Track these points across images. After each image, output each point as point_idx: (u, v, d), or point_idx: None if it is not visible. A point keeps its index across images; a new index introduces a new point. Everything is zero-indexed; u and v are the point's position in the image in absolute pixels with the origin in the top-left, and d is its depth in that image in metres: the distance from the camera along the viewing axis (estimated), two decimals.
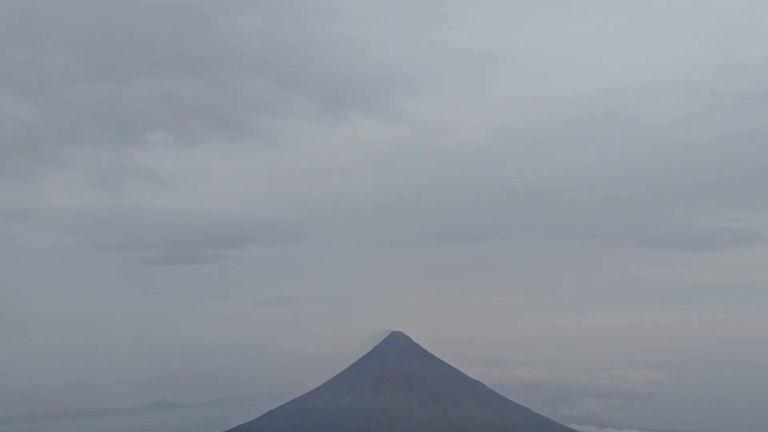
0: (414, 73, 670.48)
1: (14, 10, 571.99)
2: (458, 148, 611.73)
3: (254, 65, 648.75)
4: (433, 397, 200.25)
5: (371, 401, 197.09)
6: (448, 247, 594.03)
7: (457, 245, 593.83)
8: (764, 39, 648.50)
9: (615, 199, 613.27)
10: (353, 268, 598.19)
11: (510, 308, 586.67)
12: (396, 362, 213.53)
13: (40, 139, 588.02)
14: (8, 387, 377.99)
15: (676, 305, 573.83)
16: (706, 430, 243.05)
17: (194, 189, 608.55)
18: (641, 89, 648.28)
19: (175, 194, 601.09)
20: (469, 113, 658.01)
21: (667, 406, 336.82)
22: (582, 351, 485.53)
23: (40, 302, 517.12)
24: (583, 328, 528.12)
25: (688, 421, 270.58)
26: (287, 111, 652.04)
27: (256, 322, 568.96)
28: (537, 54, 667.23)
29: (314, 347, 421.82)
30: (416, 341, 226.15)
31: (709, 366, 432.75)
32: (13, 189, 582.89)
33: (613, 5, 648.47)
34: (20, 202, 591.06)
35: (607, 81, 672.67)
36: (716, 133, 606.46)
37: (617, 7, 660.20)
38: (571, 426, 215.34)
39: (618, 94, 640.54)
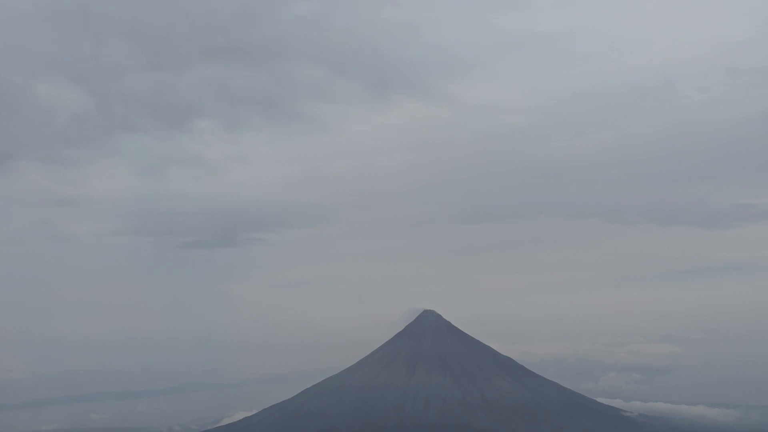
0: (465, 57, 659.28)
1: (75, 3, 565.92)
2: (493, 130, 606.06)
3: (305, 52, 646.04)
4: (466, 374, 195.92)
5: (406, 379, 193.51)
6: (475, 227, 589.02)
7: (484, 225, 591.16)
8: None
9: (636, 177, 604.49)
10: (385, 249, 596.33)
11: (532, 286, 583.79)
12: (429, 340, 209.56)
13: (91, 129, 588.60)
14: (50, 369, 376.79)
15: (692, 281, 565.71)
16: (725, 401, 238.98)
17: (235, 174, 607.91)
18: (681, 67, 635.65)
19: (216, 180, 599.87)
20: (510, 96, 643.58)
21: (686, 379, 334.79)
22: (600, 327, 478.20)
23: (84, 286, 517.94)
24: (600, 305, 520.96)
25: (707, 393, 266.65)
26: (334, 96, 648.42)
27: (291, 303, 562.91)
28: (588, 35, 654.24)
29: (348, 326, 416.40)
30: (447, 319, 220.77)
31: (724, 339, 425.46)
32: (60, 178, 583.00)
33: None
34: (66, 191, 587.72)
35: (649, 60, 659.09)
36: (748, 112, 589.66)
37: None
38: (600, 400, 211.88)
39: (657, 72, 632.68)
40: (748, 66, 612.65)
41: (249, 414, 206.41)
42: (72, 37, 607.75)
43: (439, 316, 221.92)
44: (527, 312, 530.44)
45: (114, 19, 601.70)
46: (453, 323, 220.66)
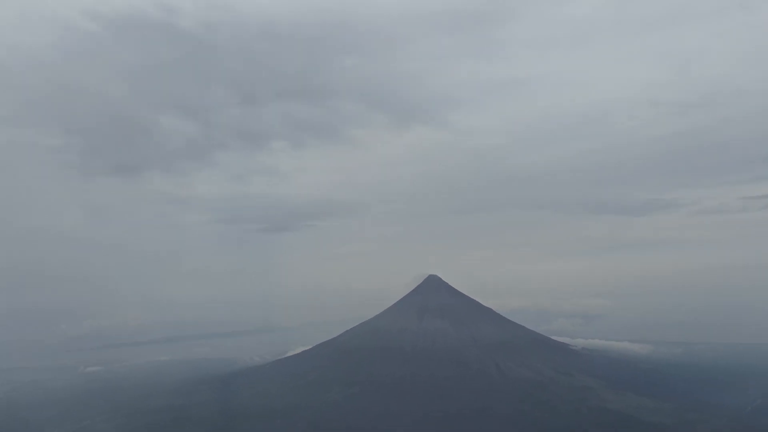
0: (461, 95, 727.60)
1: (190, 59, 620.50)
2: (480, 148, 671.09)
3: (349, 93, 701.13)
4: (460, 321, 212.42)
5: (417, 325, 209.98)
6: (464, 216, 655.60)
7: (470, 215, 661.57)
8: (710, 63, 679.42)
9: (577, 181, 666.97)
10: (401, 232, 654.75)
11: (504, 258, 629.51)
12: (432, 297, 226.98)
13: (198, 148, 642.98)
14: (165, 318, 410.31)
15: (615, 254, 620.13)
16: (642, 338, 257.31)
17: (297, 180, 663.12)
18: (615, 102, 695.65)
19: (284, 184, 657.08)
20: (492, 123, 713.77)
21: (613, 323, 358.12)
22: (550, 286, 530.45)
23: (189, 258, 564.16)
24: (551, 271, 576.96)
25: (629, 333, 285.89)
26: (368, 124, 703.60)
27: (332, 270, 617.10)
28: (549, 79, 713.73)
29: (374, 287, 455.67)
30: (446, 281, 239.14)
31: (639, 294, 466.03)
32: (175, 183, 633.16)
33: (603, 43, 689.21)
34: (178, 191, 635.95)
35: (592, 96, 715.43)
36: (660, 133, 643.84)
37: (606, 44, 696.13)
38: (553, 338, 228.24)
39: (598, 105, 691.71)
40: (666, 100, 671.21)
41: (306, 348, 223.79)
42: (187, 83, 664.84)
43: (440, 279, 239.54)
44: (501, 276, 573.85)
45: (216, 70, 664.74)
46: (450, 284, 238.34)
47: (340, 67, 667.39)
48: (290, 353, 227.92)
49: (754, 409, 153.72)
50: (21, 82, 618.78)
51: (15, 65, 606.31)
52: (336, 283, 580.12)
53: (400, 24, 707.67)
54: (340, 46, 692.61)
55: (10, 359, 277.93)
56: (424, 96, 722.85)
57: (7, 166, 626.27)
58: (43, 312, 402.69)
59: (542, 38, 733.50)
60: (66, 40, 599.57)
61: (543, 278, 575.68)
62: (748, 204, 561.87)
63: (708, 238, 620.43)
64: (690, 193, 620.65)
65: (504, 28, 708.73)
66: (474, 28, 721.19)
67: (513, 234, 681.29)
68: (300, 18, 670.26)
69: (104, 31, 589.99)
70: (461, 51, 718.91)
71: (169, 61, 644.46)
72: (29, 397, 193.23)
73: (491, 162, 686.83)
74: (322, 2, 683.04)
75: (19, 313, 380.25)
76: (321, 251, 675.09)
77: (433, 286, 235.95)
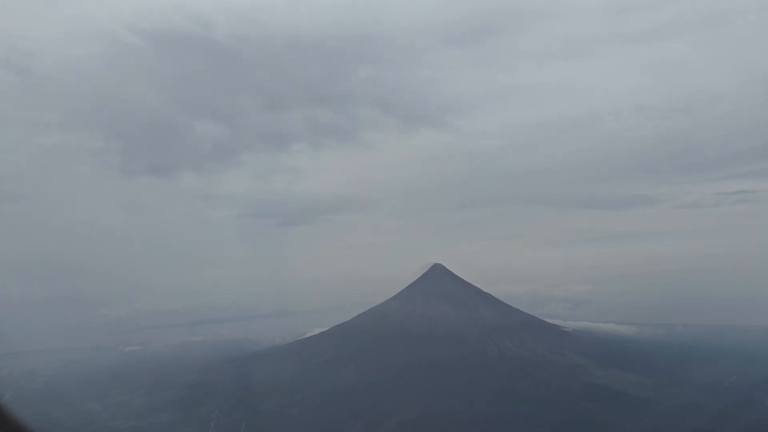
0: (467, 102, 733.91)
1: (220, 68, 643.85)
2: (481, 149, 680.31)
3: (365, 99, 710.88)
4: (462, 304, 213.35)
5: (423, 309, 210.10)
6: (465, 211, 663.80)
7: (471, 210, 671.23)
8: (689, 72, 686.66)
9: (569, 178, 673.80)
10: (408, 225, 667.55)
11: (501, 248, 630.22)
12: (438, 283, 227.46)
13: (226, 150, 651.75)
14: (195, 302, 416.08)
15: (602, 245, 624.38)
16: (626, 321, 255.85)
17: (315, 179, 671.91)
18: (604, 107, 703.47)
19: (303, 182, 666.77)
20: (493, 126, 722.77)
21: (600, 307, 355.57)
22: (542, 274, 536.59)
23: (216, 249, 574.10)
24: (544, 260, 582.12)
25: (614, 316, 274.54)
26: (381, 127, 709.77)
27: (346, 260, 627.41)
28: (544, 87, 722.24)
29: (383, 275, 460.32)
30: (449, 269, 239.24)
31: (622, 281, 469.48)
32: (204, 180, 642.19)
33: (596, 54, 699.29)
34: (207, 189, 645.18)
35: (583, 101, 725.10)
36: (643, 135, 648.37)
37: (599, 55, 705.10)
38: (547, 320, 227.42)
39: (588, 110, 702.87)
40: (649, 105, 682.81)
41: (323, 330, 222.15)
42: (218, 90, 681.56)
43: (444, 267, 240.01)
44: (497, 264, 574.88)
45: (245, 78, 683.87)
46: (453, 272, 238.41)
47: (357, 75, 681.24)
48: (308, 335, 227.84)
49: (730, 384, 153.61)
50: (68, 90, 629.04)
51: (63, 75, 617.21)
52: (349, 271, 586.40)
53: (414, 37, 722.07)
54: (359, 56, 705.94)
55: (56, 341, 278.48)
56: (433, 102, 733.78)
57: (53, 167, 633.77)
58: (85, 298, 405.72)
59: (542, 50, 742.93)
60: (110, 52, 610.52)
61: (535, 267, 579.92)
62: (721, 199, 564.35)
63: (685, 230, 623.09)
64: (669, 189, 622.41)
65: (508, 41, 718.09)
66: (481, 40, 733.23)
67: (509, 227, 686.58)
68: (322, 31, 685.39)
69: (145, 44, 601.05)
70: (469, 61, 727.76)
71: (202, 71, 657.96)
72: (74, 374, 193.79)
73: (491, 162, 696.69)
74: (343, 17, 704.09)
75: (64, 299, 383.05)
76: (335, 243, 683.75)
77: (437, 274, 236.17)
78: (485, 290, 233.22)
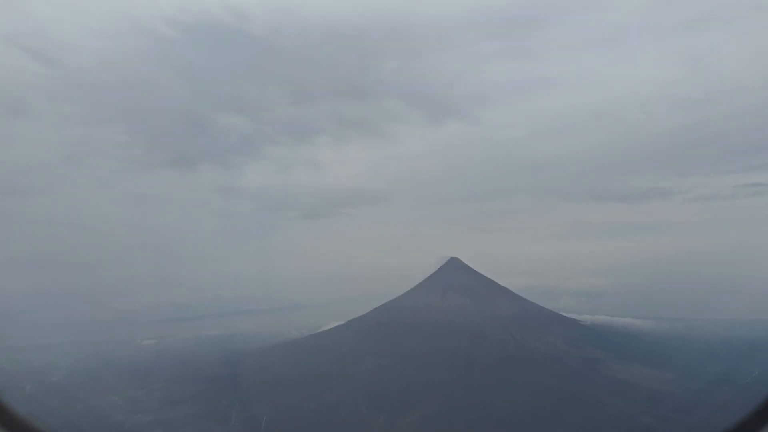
0: (492, 93, 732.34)
1: (247, 62, 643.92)
2: (501, 141, 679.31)
3: (391, 92, 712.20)
4: (479, 297, 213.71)
5: (441, 301, 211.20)
6: (482, 203, 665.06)
7: (487, 202, 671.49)
8: (720, 62, 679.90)
9: (583, 169, 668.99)
10: (426, 217, 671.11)
11: (517, 240, 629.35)
12: (454, 276, 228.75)
13: (250, 143, 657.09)
14: (209, 295, 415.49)
15: (616, 237, 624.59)
16: (643, 314, 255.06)
17: (335, 171, 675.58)
18: (632, 99, 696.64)
19: (323, 175, 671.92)
20: (517, 118, 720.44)
21: (613, 300, 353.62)
22: (554, 267, 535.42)
23: (232, 242, 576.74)
24: (558, 252, 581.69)
25: (629, 309, 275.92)
26: (406, 120, 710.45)
27: (364, 252, 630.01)
28: (570, 78, 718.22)
29: (401, 267, 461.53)
30: (466, 263, 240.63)
31: (637, 273, 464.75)
32: (226, 174, 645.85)
33: (628, 44, 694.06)
34: (226, 182, 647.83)
35: (613, 94, 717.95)
36: (666, 126, 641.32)
37: (631, 46, 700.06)
38: (563, 313, 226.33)
39: (617, 102, 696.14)
40: (676, 96, 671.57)
41: (340, 323, 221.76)
42: (246, 83, 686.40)
43: (460, 260, 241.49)
44: (509, 257, 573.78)
45: (275, 71, 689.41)
46: (470, 265, 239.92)
47: (386, 67, 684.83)
48: (324, 328, 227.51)
49: (754, 379, 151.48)
50: (98, 84, 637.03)
51: (95, 69, 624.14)
52: (366, 264, 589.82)
53: (449, 27, 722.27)
54: (389, 47, 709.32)
55: (71, 333, 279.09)
56: (460, 94, 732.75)
57: (75, 161, 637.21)
58: (98, 292, 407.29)
59: (574, 41, 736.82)
60: (144, 46, 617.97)
61: (547, 259, 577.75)
62: (738, 191, 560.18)
63: (699, 222, 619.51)
64: (685, 181, 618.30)
65: (544, 32, 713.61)
66: (513, 32, 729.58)
67: (521, 218, 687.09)
68: (357, 21, 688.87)
69: (182, 38, 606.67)
70: (501, 52, 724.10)
71: (232, 64, 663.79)
72: (92, 367, 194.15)
73: (509, 153, 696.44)
74: (380, 6, 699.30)
75: (76, 292, 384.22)
76: (351, 235, 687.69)
77: (454, 267, 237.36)
78: (501, 283, 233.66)
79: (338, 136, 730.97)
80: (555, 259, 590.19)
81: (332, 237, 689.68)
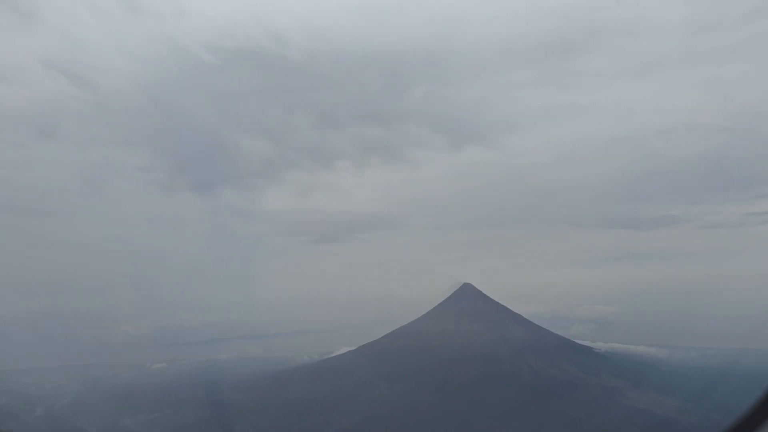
0: (518, 120, 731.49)
1: (282, 82, 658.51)
2: (519, 167, 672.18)
3: (415, 118, 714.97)
4: (492, 323, 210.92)
5: (455, 327, 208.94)
6: (494, 228, 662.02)
7: (499, 228, 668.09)
8: (746, 91, 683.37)
9: (594, 196, 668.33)
10: (438, 242, 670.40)
11: (522, 266, 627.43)
12: (468, 302, 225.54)
13: (271, 167, 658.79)
14: (218, 319, 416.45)
15: (625, 264, 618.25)
16: (656, 343, 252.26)
17: (353, 196, 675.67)
18: (657, 127, 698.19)
19: (341, 200, 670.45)
20: (538, 144, 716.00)
21: (623, 328, 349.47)
22: (562, 294, 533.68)
23: (243, 266, 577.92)
24: (565, 280, 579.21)
25: (640, 337, 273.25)
26: (428, 145, 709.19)
27: (377, 278, 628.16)
28: (593, 105, 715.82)
29: (413, 292, 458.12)
30: (479, 289, 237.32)
31: (643, 302, 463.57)
32: (244, 198, 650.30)
33: (663, 72, 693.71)
34: (244, 205, 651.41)
35: (638, 121, 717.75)
36: (686, 154, 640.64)
37: (665, 74, 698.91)
38: (576, 341, 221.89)
39: (640, 129, 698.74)
40: (699, 124, 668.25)
41: (351, 348, 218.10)
42: (274, 108, 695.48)
43: (474, 286, 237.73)
44: (521, 283, 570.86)
45: (304, 95, 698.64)
46: (483, 291, 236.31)
47: (414, 92, 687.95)
48: (336, 353, 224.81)
49: None
50: (127, 107, 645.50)
51: (126, 92, 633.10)
52: (377, 289, 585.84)
53: (485, 54, 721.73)
54: (420, 73, 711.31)
55: (80, 357, 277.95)
56: (486, 120, 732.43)
57: (94, 183, 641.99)
58: (107, 314, 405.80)
59: (607, 68, 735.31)
60: (178, 71, 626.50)
61: (554, 286, 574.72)
62: (748, 219, 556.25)
63: (709, 250, 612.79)
64: (697, 209, 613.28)
65: (576, 60, 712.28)
66: (549, 60, 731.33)
67: (531, 245, 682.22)
68: (393, 47, 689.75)
69: (219, 62, 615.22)
70: (532, 80, 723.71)
71: (264, 88, 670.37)
72: (102, 390, 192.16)
73: (525, 179, 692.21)
74: (418, 33, 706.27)
75: (84, 315, 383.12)
76: (364, 260, 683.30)
77: (467, 293, 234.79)
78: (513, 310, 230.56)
79: (359, 161, 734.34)
80: (564, 286, 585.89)
81: (344, 262, 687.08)
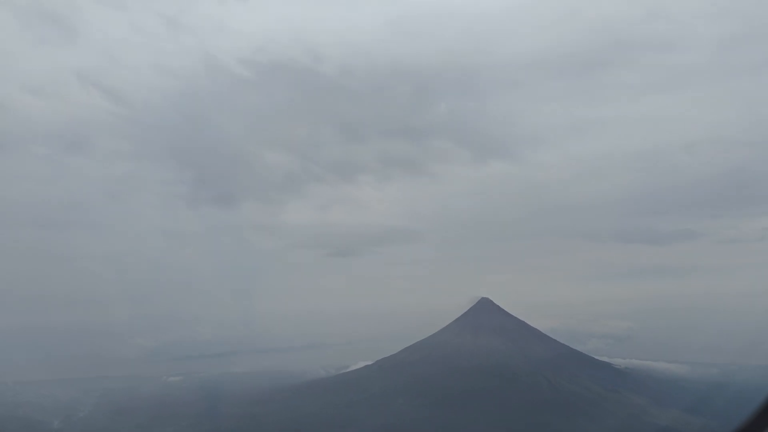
0: (544, 134, 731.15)
1: (311, 97, 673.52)
2: (541, 181, 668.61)
3: (440, 132, 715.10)
4: (511, 338, 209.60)
5: (473, 342, 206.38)
6: (513, 242, 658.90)
7: (518, 242, 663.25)
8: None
9: (612, 211, 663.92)
10: (457, 256, 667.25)
11: (539, 281, 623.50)
12: (485, 317, 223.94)
13: (295, 181, 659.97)
14: (234, 332, 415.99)
15: (642, 279, 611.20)
16: (675, 359, 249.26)
17: (374, 210, 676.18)
18: (683, 140, 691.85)
19: (361, 213, 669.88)
20: (562, 159, 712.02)
21: (640, 344, 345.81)
22: (582, 308, 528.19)
23: (260, 279, 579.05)
24: (582, 294, 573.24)
25: (659, 353, 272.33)
26: (452, 159, 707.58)
27: (395, 292, 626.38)
28: (616, 121, 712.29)
29: (432, 307, 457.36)
30: (497, 303, 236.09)
31: (659, 318, 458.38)
32: (265, 212, 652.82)
33: (693, 86, 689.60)
34: (266, 219, 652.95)
35: (663, 135, 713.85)
36: (709, 168, 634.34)
37: (696, 87, 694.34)
38: (594, 356, 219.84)
39: (665, 144, 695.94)
40: (725, 138, 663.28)
41: (368, 363, 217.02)
42: (301, 122, 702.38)
43: (491, 301, 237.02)
44: (538, 297, 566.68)
45: (332, 110, 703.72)
46: (500, 306, 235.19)
47: (440, 106, 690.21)
48: (353, 367, 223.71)
49: None
50: (155, 121, 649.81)
51: (156, 106, 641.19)
52: (395, 303, 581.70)
53: (517, 68, 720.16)
54: (449, 87, 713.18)
55: (95, 369, 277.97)
56: (512, 134, 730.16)
57: (116, 197, 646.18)
58: (120, 328, 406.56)
59: (637, 82, 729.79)
60: (213, 85, 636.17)
61: (570, 301, 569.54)
62: (765, 234, 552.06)
63: (725, 265, 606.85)
64: (714, 223, 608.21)
65: (611, 73, 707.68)
66: (585, 73, 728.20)
67: (548, 259, 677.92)
68: (426, 61, 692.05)
69: (253, 76, 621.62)
70: (560, 94, 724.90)
71: (294, 103, 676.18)
72: (119, 403, 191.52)
73: (545, 194, 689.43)
74: (452, 47, 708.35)
75: (98, 328, 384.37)
76: (382, 274, 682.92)
77: (485, 307, 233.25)
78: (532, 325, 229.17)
79: (382, 175, 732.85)
80: (580, 301, 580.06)
81: (362, 276, 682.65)
